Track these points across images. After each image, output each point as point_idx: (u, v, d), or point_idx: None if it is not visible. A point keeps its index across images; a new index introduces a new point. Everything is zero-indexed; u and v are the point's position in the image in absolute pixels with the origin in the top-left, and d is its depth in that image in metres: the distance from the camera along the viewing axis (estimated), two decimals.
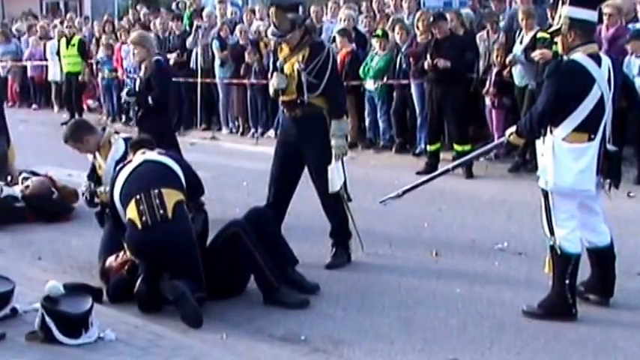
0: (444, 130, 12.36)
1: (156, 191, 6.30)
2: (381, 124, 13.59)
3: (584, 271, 6.28)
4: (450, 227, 8.77)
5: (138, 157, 6.72)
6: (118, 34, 18.63)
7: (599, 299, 6.29)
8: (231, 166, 12.66)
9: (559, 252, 5.94)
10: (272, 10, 7.58)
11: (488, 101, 12.19)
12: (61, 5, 36.34)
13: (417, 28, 12.52)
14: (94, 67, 19.06)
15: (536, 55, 11.00)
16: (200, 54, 15.98)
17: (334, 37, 13.94)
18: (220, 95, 15.92)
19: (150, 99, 9.03)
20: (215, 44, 15.67)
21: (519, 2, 12.55)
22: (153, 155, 6.73)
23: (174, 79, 15.84)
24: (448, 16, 12.42)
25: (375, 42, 13.48)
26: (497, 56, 12.02)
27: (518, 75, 11.73)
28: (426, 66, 11.82)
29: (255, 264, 6.37)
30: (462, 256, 7.77)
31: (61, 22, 21.23)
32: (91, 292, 6.13)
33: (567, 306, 6.00)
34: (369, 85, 13.44)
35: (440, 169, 6.75)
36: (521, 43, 11.64)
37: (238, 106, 15.69)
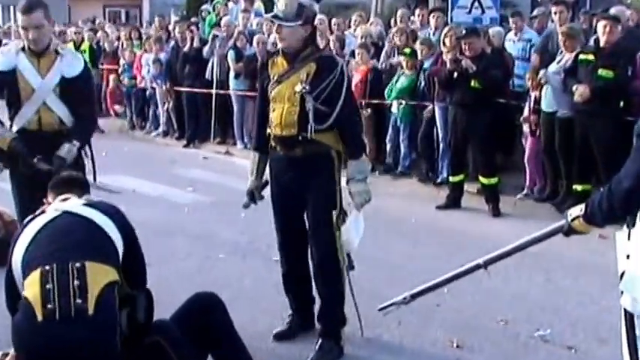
0: (469, 159, 9.73)
1: (77, 265, 3.56)
2: (402, 149, 10.95)
3: None
4: (474, 298, 6.06)
5: (56, 206, 3.98)
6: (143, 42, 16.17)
7: None
8: (238, 189, 10.06)
9: None
10: None
11: (525, 128, 9.56)
12: (122, 13, 34.90)
13: (444, 44, 9.53)
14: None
15: (576, 96, 8.41)
16: (216, 64, 13.45)
17: (353, 52, 11.47)
18: (235, 108, 13.38)
19: None
20: (231, 55, 13.12)
21: (556, 22, 10.03)
22: (77, 206, 3.94)
23: (189, 90, 13.76)
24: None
25: (402, 60, 10.81)
26: (529, 79, 9.44)
27: (547, 98, 9.08)
28: (448, 64, 9.18)
29: None
30: (492, 348, 5.20)
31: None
32: None
33: None
34: (394, 107, 10.82)
35: (470, 264, 4.18)
36: (558, 62, 9.01)
37: (253, 121, 13.09)
